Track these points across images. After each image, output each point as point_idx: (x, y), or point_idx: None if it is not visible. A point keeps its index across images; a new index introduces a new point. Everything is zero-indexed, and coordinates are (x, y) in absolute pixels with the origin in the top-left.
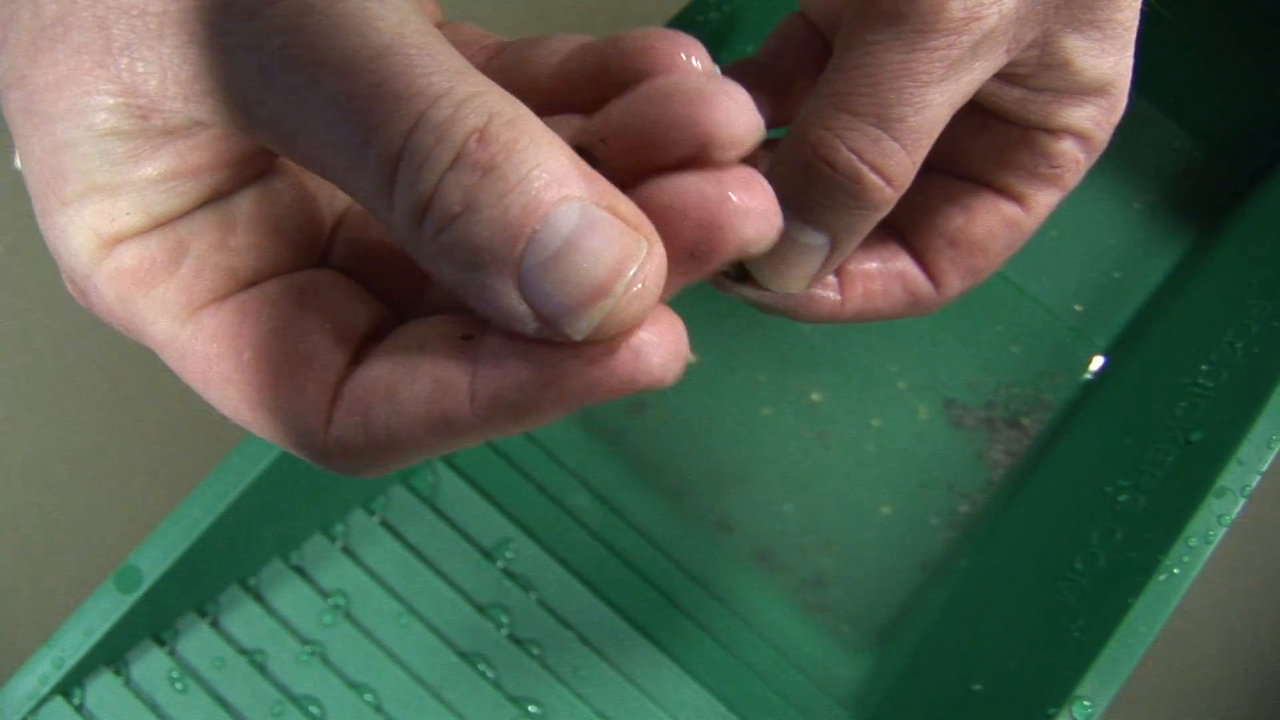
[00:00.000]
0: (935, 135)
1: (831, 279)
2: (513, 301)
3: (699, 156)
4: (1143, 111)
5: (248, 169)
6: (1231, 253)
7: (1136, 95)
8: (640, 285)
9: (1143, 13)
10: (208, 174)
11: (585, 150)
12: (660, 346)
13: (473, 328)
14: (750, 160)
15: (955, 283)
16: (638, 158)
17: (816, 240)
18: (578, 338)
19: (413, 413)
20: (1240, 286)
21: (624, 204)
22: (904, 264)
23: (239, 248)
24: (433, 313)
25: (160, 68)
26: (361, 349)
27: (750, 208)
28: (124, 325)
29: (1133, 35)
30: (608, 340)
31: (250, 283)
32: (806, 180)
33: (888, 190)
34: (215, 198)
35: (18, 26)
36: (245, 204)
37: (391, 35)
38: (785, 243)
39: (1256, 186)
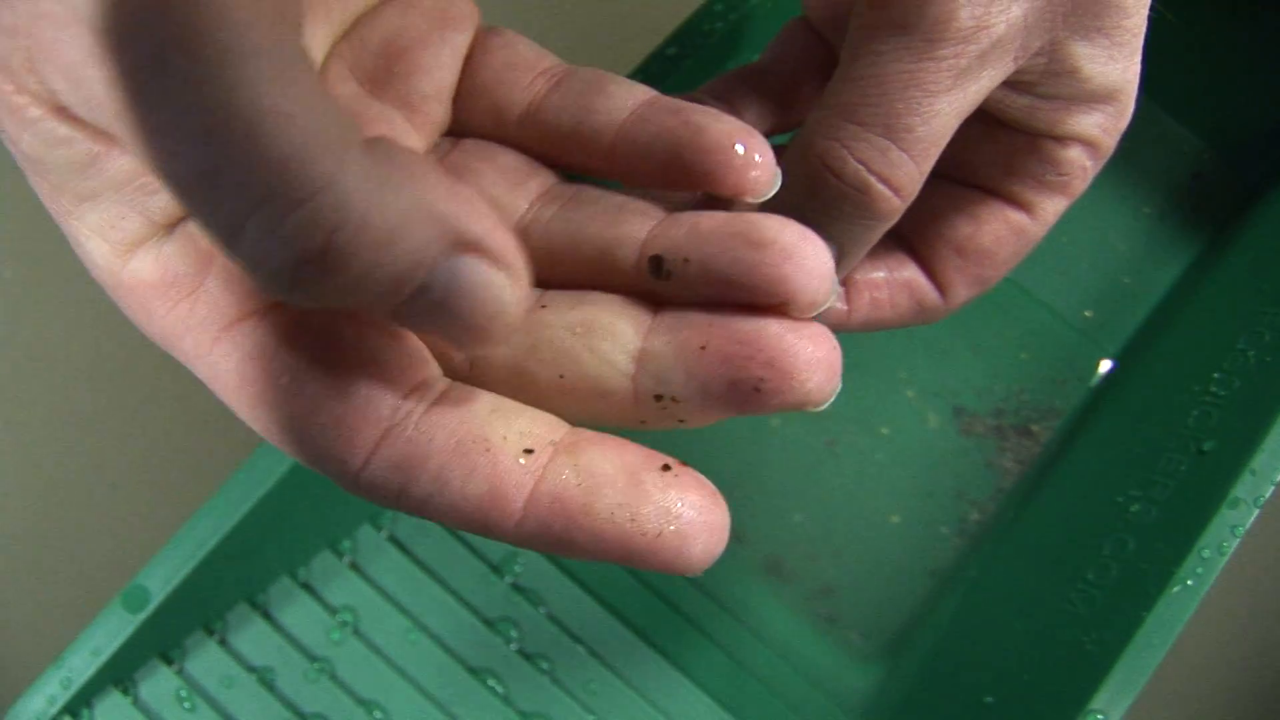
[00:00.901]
0: (943, 145)
1: (838, 289)
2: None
3: (777, 307)
4: (1151, 115)
5: None
6: (1242, 258)
7: (1145, 99)
8: (510, 312)
9: (1150, 17)
10: None
11: (662, 260)
12: (703, 539)
13: (532, 442)
14: None
15: (962, 291)
16: (715, 287)
17: None
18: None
19: (455, 505)
20: (1252, 293)
21: (489, 236)
22: (911, 273)
23: None
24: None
25: (47, 87)
26: (410, 394)
27: (820, 360)
28: (153, 335)
29: (1140, 42)
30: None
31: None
32: (813, 191)
33: (895, 200)
34: None
35: None
36: None
37: (244, 102)
38: None
39: (1267, 190)
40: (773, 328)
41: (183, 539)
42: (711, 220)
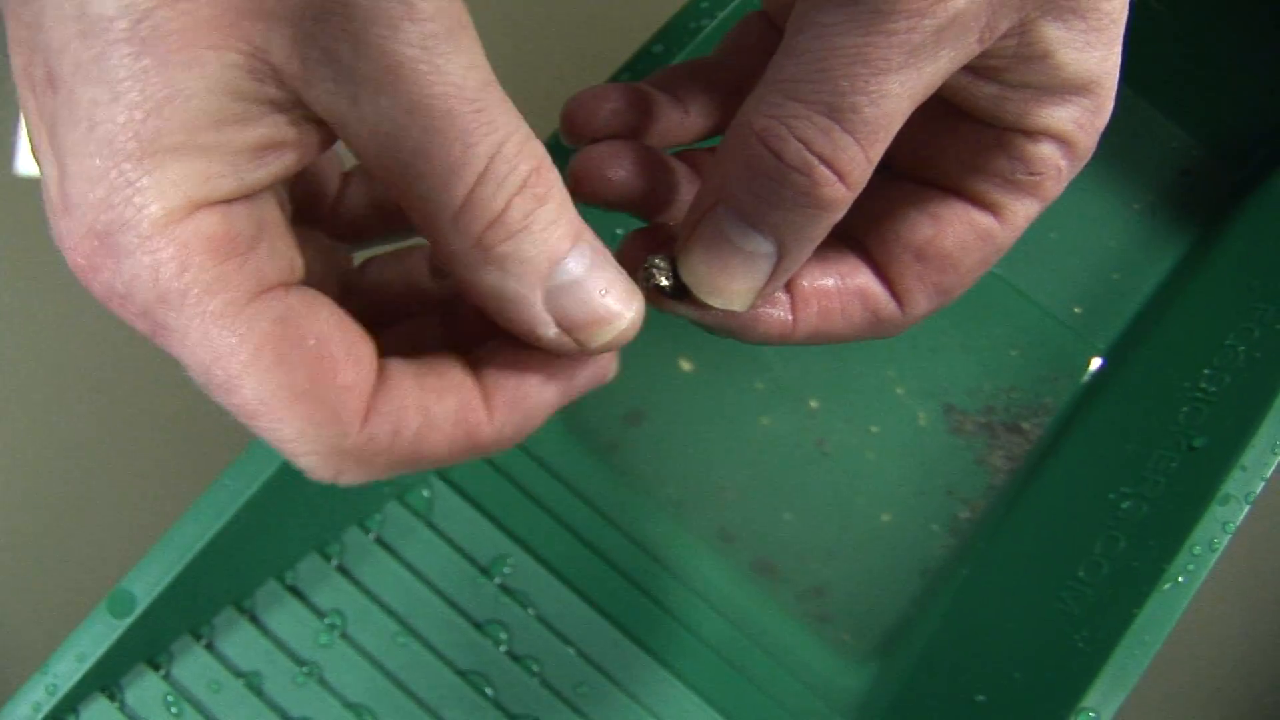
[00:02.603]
0: (894, 130)
1: (782, 296)
2: (538, 310)
3: None
4: (1140, 112)
5: (315, 150)
6: (1231, 254)
7: (1134, 95)
8: (637, 314)
9: (1133, 6)
10: (292, 150)
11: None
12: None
13: (471, 359)
14: (698, 167)
15: (922, 301)
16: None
17: (762, 248)
18: (591, 346)
19: (442, 426)
20: (1241, 289)
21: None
22: (865, 280)
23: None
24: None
25: (290, 46)
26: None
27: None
28: (155, 295)
29: (1120, 29)
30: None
31: (301, 277)
32: (751, 175)
33: (840, 188)
34: (285, 178)
35: None
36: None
37: (483, 77)
38: (727, 250)
39: (1256, 187)
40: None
41: (168, 543)
42: None
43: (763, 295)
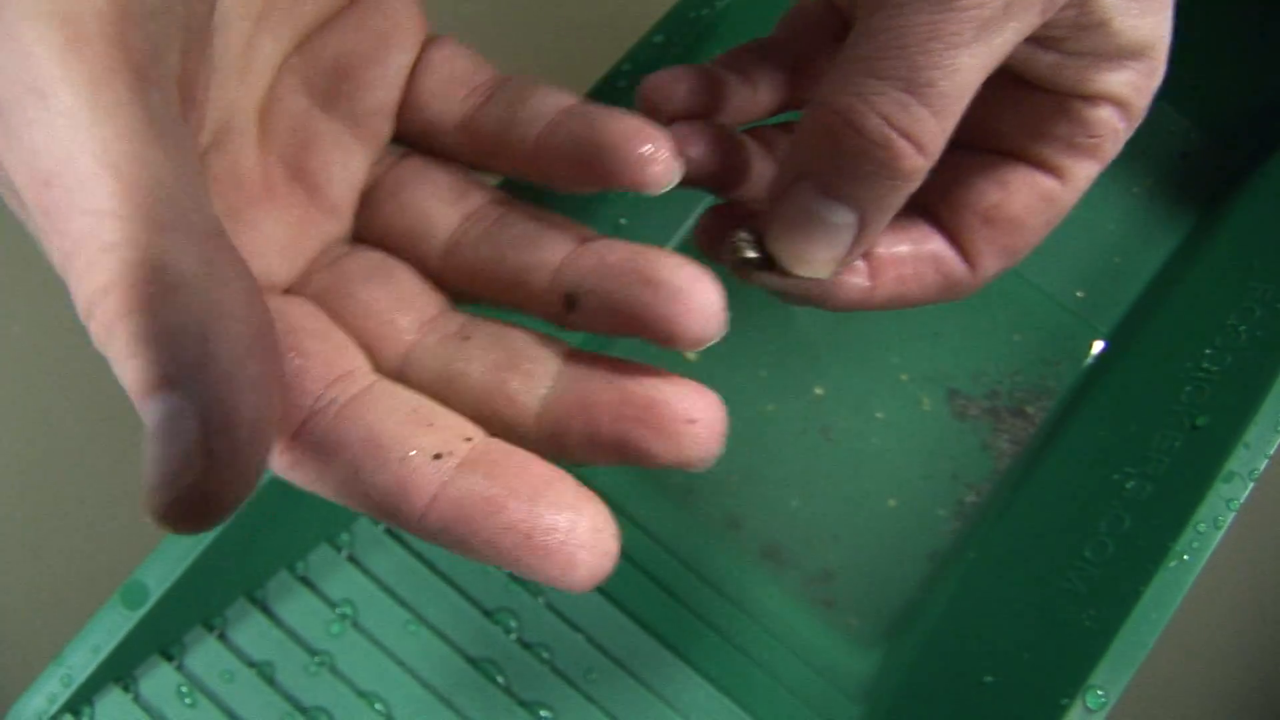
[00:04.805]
0: (966, 101)
1: (860, 264)
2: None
3: (665, 341)
4: None
5: None
6: (1232, 235)
7: None
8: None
9: None
10: None
11: (571, 295)
12: (591, 562)
13: (446, 447)
14: (767, 143)
15: (991, 263)
16: (615, 319)
17: (845, 218)
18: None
19: (366, 494)
20: (1242, 269)
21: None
22: (936, 245)
23: None
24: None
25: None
26: (334, 383)
27: (701, 433)
28: None
29: None
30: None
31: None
32: (833, 150)
33: (919, 159)
34: None
35: None
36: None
37: (59, 160)
38: (811, 222)
39: (1255, 168)
40: (671, 400)
41: (180, 535)
42: (617, 254)
43: (845, 263)
